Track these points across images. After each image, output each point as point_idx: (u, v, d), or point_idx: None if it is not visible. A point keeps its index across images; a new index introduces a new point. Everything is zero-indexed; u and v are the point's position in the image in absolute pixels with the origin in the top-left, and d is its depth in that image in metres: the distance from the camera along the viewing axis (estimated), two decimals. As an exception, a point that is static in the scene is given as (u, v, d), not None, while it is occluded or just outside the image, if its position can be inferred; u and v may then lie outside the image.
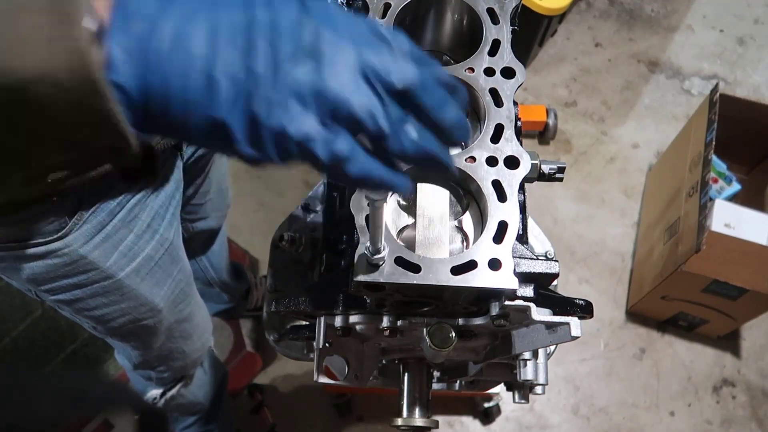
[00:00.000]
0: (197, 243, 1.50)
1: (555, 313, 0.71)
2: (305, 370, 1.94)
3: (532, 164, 0.73)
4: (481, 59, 0.79)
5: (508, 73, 0.78)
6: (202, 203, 1.34)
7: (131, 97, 0.41)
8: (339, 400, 1.87)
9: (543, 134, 2.39)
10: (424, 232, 0.71)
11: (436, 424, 0.83)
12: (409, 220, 0.73)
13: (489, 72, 0.78)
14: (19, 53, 0.36)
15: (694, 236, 1.71)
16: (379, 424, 1.91)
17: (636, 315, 2.12)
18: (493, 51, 0.79)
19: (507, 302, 0.69)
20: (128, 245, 0.90)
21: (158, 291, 1.02)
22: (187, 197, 1.26)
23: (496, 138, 0.73)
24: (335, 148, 0.44)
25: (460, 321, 0.74)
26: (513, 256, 0.66)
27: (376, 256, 0.62)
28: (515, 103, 0.78)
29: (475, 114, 0.80)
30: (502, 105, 0.75)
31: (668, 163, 2.15)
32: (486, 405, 1.87)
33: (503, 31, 0.81)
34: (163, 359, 1.24)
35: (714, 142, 1.79)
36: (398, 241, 0.67)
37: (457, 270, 0.65)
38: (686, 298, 1.89)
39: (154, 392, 1.35)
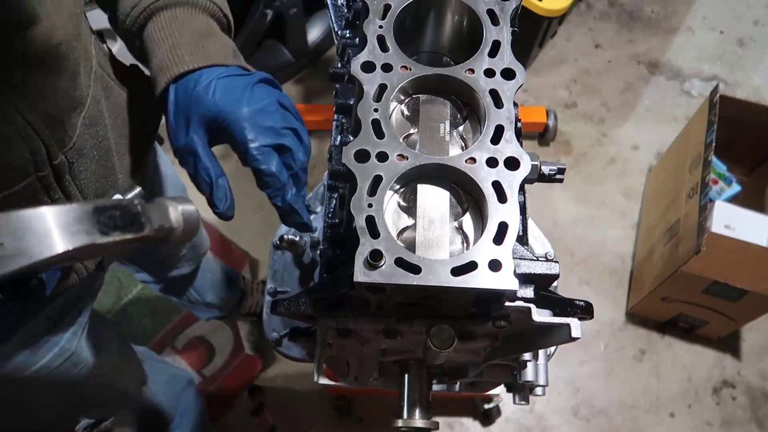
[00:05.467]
0: (174, 284, 1.52)
1: (555, 315, 0.71)
2: (305, 371, 1.93)
3: (532, 165, 0.73)
4: (482, 60, 0.79)
5: (508, 74, 0.78)
6: (173, 263, 1.38)
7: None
8: (339, 402, 1.87)
9: (543, 135, 2.39)
10: (425, 234, 0.71)
11: (436, 426, 0.82)
12: (410, 221, 0.73)
13: (489, 73, 0.78)
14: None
15: (694, 237, 1.70)
16: (379, 426, 1.91)
17: (636, 316, 2.12)
18: (494, 52, 0.79)
19: (507, 303, 0.69)
20: (21, 359, 0.90)
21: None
22: (155, 263, 1.32)
23: (496, 139, 0.73)
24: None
25: (460, 322, 0.74)
26: (513, 257, 0.66)
27: (374, 262, 0.63)
28: (515, 105, 0.78)
29: (475, 115, 0.80)
30: (503, 106, 0.75)
31: (668, 164, 2.15)
32: (486, 406, 1.87)
33: (503, 33, 0.81)
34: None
35: (714, 144, 1.79)
36: (398, 242, 0.67)
37: (457, 271, 0.65)
38: (686, 299, 1.89)
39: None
